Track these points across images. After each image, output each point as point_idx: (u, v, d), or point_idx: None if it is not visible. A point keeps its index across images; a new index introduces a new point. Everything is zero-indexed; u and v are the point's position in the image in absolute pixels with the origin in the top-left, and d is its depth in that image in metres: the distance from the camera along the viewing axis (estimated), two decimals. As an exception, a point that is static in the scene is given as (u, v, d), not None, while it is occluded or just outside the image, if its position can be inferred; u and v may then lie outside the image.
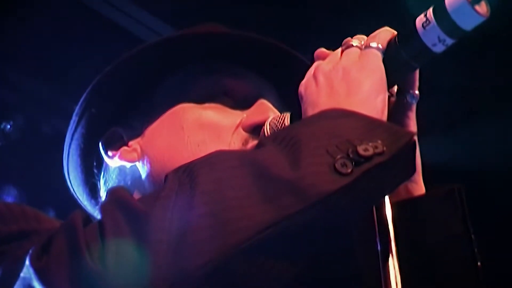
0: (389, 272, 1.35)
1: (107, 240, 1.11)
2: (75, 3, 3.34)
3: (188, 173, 1.19)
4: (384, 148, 1.21)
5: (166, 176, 1.22)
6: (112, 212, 1.15)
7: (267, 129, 1.61)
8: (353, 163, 1.18)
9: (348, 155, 1.19)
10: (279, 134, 1.27)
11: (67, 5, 3.32)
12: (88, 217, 1.20)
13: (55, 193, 3.00)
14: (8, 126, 3.54)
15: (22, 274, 1.18)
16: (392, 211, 1.42)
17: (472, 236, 1.53)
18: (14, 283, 1.20)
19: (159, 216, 1.13)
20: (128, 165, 1.69)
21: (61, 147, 1.78)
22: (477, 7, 1.33)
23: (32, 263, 1.16)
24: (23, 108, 3.62)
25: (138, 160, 1.68)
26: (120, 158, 1.69)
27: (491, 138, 3.48)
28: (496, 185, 3.52)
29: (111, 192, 1.21)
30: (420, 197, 1.55)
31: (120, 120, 1.73)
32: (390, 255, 1.36)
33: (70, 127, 1.73)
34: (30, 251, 1.18)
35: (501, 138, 3.44)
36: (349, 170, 1.17)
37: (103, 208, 1.17)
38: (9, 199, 3.47)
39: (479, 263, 1.52)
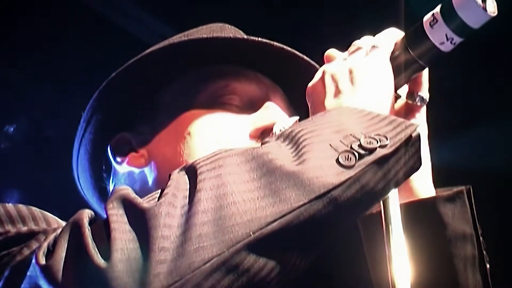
0: (397, 273, 1.34)
1: (112, 237, 1.11)
2: (79, 6, 3.35)
3: (192, 170, 1.19)
4: (388, 141, 1.21)
5: (170, 174, 1.22)
6: (117, 210, 1.15)
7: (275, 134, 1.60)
8: (357, 156, 1.18)
9: (352, 148, 1.19)
10: (283, 132, 1.27)
11: (71, 8, 3.33)
12: (94, 216, 1.20)
13: (58, 195, 3.00)
14: (12, 129, 3.54)
15: (29, 273, 1.18)
16: (401, 212, 1.41)
17: (481, 237, 1.53)
18: (21, 282, 1.19)
19: (163, 213, 1.12)
20: (136, 170, 1.69)
21: (64, 150, 1.78)
22: (484, 5, 1.34)
23: (38, 261, 1.15)
24: (26, 110, 3.62)
25: (146, 166, 1.68)
26: (129, 164, 1.70)
27: (497, 140, 3.48)
28: (502, 186, 3.51)
29: (115, 191, 1.20)
30: (429, 199, 1.54)
31: (127, 125, 1.73)
32: (399, 255, 1.36)
33: (78, 133, 1.73)
34: (36, 250, 1.18)
35: (507, 139, 3.44)
36: (353, 163, 1.18)
37: (108, 207, 1.17)
38: (12, 201, 3.46)
39: (487, 265, 1.52)
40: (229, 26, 1.80)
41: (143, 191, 1.63)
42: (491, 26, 1.39)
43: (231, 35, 1.74)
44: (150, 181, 1.67)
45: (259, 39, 1.69)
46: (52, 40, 3.34)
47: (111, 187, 1.75)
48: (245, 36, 1.75)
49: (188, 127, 1.64)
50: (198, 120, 1.65)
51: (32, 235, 1.32)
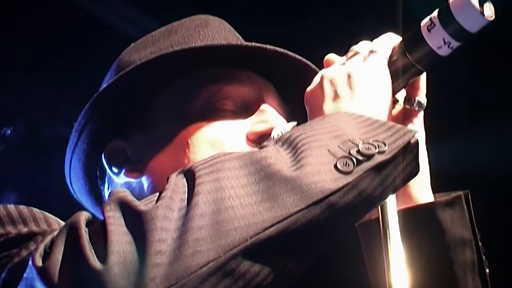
0: (395, 279, 1.34)
1: (108, 240, 1.11)
2: (77, 9, 3.35)
3: (190, 174, 1.19)
4: (386, 147, 1.21)
5: (168, 178, 1.22)
6: (114, 213, 1.15)
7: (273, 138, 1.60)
8: (355, 161, 1.19)
9: (350, 154, 1.19)
10: (282, 136, 1.27)
11: (68, 10, 3.33)
12: (91, 218, 1.20)
13: (55, 198, 2.99)
14: (9, 131, 3.54)
15: (25, 275, 1.18)
16: (399, 218, 1.41)
17: (480, 242, 1.52)
18: (18, 284, 1.19)
19: (160, 216, 1.12)
20: (134, 181, 1.68)
21: (61, 152, 1.77)
22: (482, 9, 1.34)
23: (34, 263, 1.15)
24: (24, 113, 3.62)
25: (143, 175, 1.67)
26: (126, 175, 1.68)
27: (495, 144, 3.48)
28: (501, 190, 3.52)
29: (113, 193, 1.20)
30: (427, 204, 1.54)
31: (121, 133, 1.71)
32: (397, 262, 1.36)
33: (70, 143, 1.71)
34: (33, 252, 1.18)
35: (505, 144, 3.44)
36: (351, 169, 1.18)
37: (105, 209, 1.16)
38: (9, 204, 3.46)
39: (487, 270, 1.52)
40: (213, 18, 1.78)
41: (141, 199, 1.63)
42: (490, 28, 1.39)
43: (224, 42, 1.72)
44: (149, 190, 1.65)
45: (253, 44, 1.67)
46: (50, 42, 3.34)
47: (106, 193, 1.73)
48: (238, 42, 1.74)
49: (185, 139, 1.63)
50: (196, 132, 1.63)
51: (31, 236, 1.32)
